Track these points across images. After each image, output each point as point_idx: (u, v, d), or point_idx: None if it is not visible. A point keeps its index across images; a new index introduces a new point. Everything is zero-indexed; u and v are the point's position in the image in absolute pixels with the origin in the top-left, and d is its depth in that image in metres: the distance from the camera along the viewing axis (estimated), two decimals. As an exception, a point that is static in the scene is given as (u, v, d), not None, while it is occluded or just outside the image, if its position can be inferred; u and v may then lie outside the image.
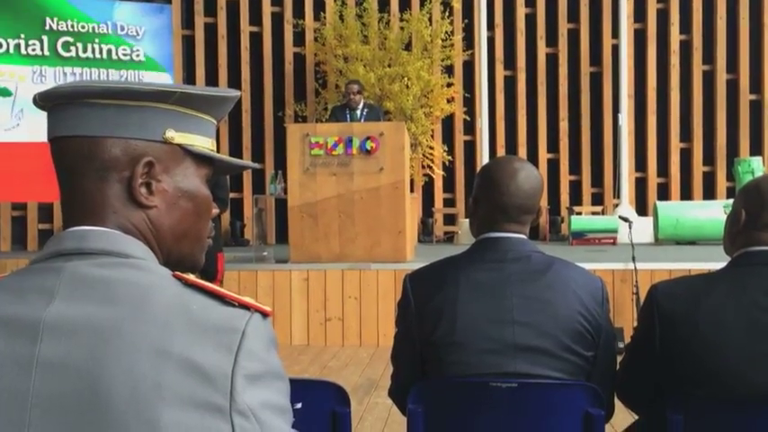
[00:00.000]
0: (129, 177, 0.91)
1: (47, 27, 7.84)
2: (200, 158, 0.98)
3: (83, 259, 0.87)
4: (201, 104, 0.97)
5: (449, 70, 10.58)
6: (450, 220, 10.59)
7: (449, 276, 1.76)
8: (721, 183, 10.63)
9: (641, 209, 10.38)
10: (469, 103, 10.60)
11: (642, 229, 8.41)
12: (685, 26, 10.74)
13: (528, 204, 1.78)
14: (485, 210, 1.81)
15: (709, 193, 10.56)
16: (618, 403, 1.82)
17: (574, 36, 10.81)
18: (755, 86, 10.71)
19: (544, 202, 10.29)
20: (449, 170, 10.70)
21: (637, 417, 1.96)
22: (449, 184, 10.79)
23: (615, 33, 10.39)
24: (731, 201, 1.93)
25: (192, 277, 0.89)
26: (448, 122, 10.71)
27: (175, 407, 0.78)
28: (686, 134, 10.77)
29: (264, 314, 0.87)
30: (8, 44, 7.70)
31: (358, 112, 7.38)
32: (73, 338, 0.81)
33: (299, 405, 1.49)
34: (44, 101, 0.93)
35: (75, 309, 0.82)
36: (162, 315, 0.82)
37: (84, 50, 7.98)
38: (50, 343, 0.81)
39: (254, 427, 0.82)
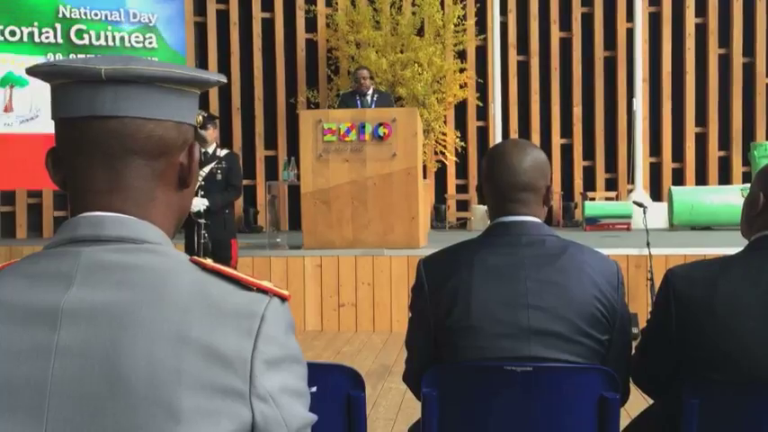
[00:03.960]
0: (184, 162, 0.93)
1: (60, 15, 7.86)
2: None
3: (99, 245, 0.86)
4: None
5: (461, 55, 10.52)
6: (462, 206, 10.57)
7: (463, 260, 1.75)
8: (737, 168, 10.54)
9: (656, 194, 10.31)
10: (482, 89, 10.55)
11: (657, 215, 8.37)
12: (701, 9, 10.62)
13: (526, 180, 1.75)
14: (488, 192, 1.81)
15: (725, 179, 10.47)
16: (633, 387, 1.82)
17: (588, 20, 10.72)
18: (772, 70, 10.59)
19: (557, 187, 10.25)
20: (462, 156, 10.67)
21: (652, 401, 1.95)
22: (462, 171, 10.76)
23: (630, 17, 10.29)
24: (749, 185, 1.91)
25: (209, 262, 0.88)
26: (461, 108, 10.67)
27: (195, 392, 0.79)
28: (701, 119, 10.67)
29: (283, 298, 0.88)
30: (22, 32, 7.73)
31: (368, 99, 7.34)
32: (92, 324, 0.80)
33: (314, 389, 1.49)
34: (112, 77, 0.85)
35: (93, 294, 0.82)
36: (181, 300, 0.82)
37: (98, 38, 8.01)
38: (69, 329, 0.80)
39: (274, 410, 0.83)
